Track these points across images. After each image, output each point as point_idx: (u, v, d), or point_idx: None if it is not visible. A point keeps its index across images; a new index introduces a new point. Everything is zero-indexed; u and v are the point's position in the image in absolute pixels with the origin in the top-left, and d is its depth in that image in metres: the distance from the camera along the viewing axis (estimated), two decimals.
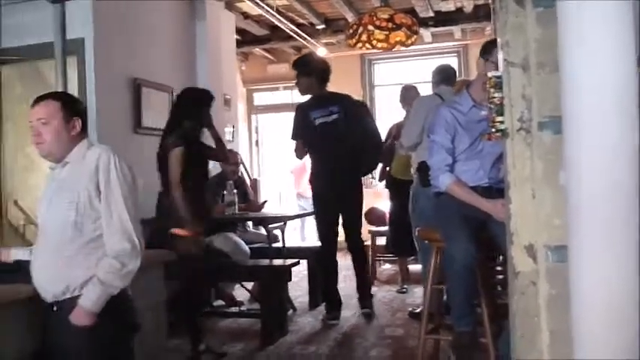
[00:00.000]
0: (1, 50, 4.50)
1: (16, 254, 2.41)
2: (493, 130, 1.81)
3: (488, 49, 2.82)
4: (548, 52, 1.53)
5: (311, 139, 4.61)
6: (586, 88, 1.19)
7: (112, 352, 1.98)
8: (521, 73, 1.59)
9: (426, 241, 3.33)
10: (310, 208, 6.06)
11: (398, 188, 5.00)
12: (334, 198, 4.59)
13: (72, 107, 2.12)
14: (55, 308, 1.97)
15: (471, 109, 2.94)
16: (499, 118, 1.77)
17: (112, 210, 2.00)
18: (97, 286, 1.93)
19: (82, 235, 1.98)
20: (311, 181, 4.76)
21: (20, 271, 2.11)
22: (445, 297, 3.53)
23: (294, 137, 4.70)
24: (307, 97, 4.76)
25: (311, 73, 4.67)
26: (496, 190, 2.80)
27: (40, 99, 2.11)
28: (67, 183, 2.04)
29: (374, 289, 5.80)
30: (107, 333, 1.95)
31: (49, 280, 1.97)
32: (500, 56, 1.66)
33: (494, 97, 1.78)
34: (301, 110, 4.69)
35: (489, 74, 1.80)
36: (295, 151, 4.73)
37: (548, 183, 1.54)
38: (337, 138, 4.49)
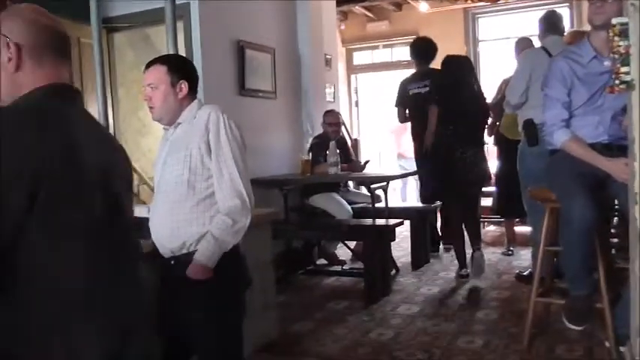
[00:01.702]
0: (112, 18, 4.71)
1: (134, 212, 2.55)
2: (617, 82, 1.69)
3: None
4: None
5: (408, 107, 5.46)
6: None
7: (226, 306, 2.04)
8: None
9: (538, 202, 3.20)
10: (411, 169, 6.13)
11: (507, 147, 4.79)
12: None
13: (178, 70, 2.14)
14: (172, 262, 2.06)
15: (592, 60, 2.74)
16: (624, 69, 1.65)
17: (222, 167, 2.04)
18: (211, 242, 2.00)
19: (195, 192, 2.04)
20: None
21: (140, 228, 2.23)
22: (556, 260, 3.40)
23: (396, 105, 5.53)
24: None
25: (411, 54, 5.56)
26: (617, 148, 2.62)
27: (150, 64, 2.16)
28: (180, 143, 2.10)
29: None
30: (221, 287, 2.02)
31: (166, 237, 2.06)
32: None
33: (619, 46, 1.66)
34: (401, 83, 5.56)
35: (613, 20, 1.67)
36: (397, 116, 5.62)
37: None
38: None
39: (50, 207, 1.14)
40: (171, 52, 3.16)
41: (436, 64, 5.28)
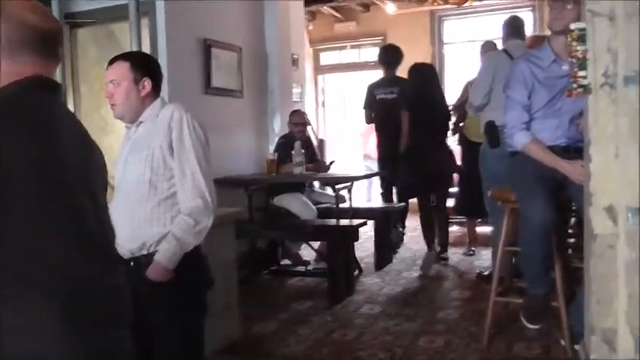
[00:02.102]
0: (75, 13, 4.62)
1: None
2: (574, 85, 1.72)
3: None
4: (637, 0, 1.43)
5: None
6: None
7: (186, 307, 2.03)
8: (608, 25, 1.50)
9: (499, 203, 3.25)
10: (376, 169, 6.22)
11: (469, 149, 4.89)
12: None
13: (141, 67, 2.11)
14: (132, 264, 2.03)
15: (552, 64, 2.80)
16: (581, 73, 1.68)
17: (185, 167, 2.02)
18: (172, 242, 1.98)
19: (156, 192, 2.02)
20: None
21: None
22: (514, 259, 3.47)
23: (364, 107, 5.91)
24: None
25: (379, 60, 5.89)
26: (575, 150, 2.68)
27: (113, 60, 2.13)
28: (142, 142, 2.07)
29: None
30: (182, 288, 2.00)
31: (126, 238, 2.01)
32: (585, 7, 1.56)
33: (577, 51, 1.69)
34: (369, 87, 5.91)
35: (572, 26, 1.71)
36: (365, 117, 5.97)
37: (633, 141, 1.46)
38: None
39: (24, 203, 1.12)
40: (135, 49, 3.13)
41: (402, 69, 5.57)
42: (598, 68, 1.52)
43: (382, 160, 5.80)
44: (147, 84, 2.10)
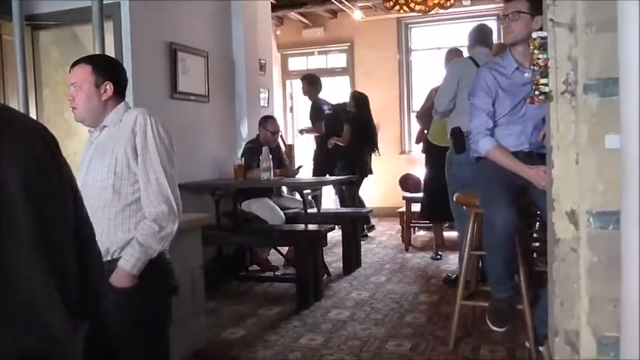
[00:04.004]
0: (38, 15, 4.53)
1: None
2: (536, 92, 1.75)
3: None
4: (597, 10, 1.46)
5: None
6: None
7: (151, 314, 2.00)
8: (568, 34, 1.53)
9: (464, 207, 3.29)
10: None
11: (434, 154, 4.94)
12: None
13: (104, 71, 2.08)
14: None
15: (515, 71, 2.86)
16: (543, 81, 1.71)
17: (150, 172, 2.00)
18: (136, 248, 1.95)
19: (120, 198, 1.99)
20: None
21: None
22: (481, 263, 3.51)
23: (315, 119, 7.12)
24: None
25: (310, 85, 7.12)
26: (538, 156, 2.73)
27: (75, 63, 2.10)
28: (105, 147, 2.04)
29: (408, 256, 5.82)
30: (146, 295, 1.97)
31: None
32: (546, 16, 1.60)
33: (539, 59, 1.72)
34: (317, 103, 7.11)
35: (534, 34, 1.74)
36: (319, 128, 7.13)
37: (593, 147, 1.49)
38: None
39: None
40: (99, 52, 3.07)
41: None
42: (559, 76, 1.55)
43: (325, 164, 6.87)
44: (108, 88, 2.07)
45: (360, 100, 6.87)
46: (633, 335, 1.20)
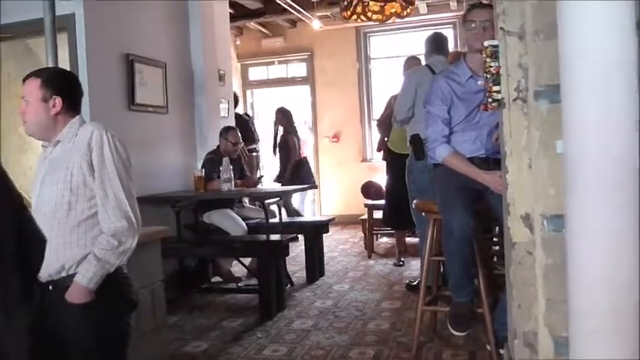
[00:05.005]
0: None
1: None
2: (490, 100, 1.79)
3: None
4: (544, 17, 1.50)
5: None
6: (585, 53, 1.17)
7: (109, 330, 1.96)
8: (518, 42, 1.57)
9: (423, 213, 3.33)
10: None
11: (395, 161, 4.99)
12: None
13: (52, 85, 2.03)
14: (50, 287, 1.94)
15: (469, 79, 2.92)
16: (496, 88, 1.75)
17: (107, 188, 1.96)
18: (92, 263, 1.91)
19: (76, 213, 1.95)
20: None
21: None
22: (442, 269, 3.55)
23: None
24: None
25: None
26: (493, 161, 2.79)
27: (26, 77, 2.06)
28: (60, 162, 2.00)
29: (371, 263, 5.85)
30: (104, 311, 1.93)
31: (44, 261, 1.94)
32: (497, 25, 1.63)
33: (491, 67, 1.76)
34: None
35: (486, 43, 1.78)
36: None
37: (544, 152, 1.53)
38: None
39: None
40: (52, 65, 3.01)
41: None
42: (510, 83, 1.58)
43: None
44: (57, 102, 2.02)
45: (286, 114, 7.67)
46: (581, 335, 1.24)
